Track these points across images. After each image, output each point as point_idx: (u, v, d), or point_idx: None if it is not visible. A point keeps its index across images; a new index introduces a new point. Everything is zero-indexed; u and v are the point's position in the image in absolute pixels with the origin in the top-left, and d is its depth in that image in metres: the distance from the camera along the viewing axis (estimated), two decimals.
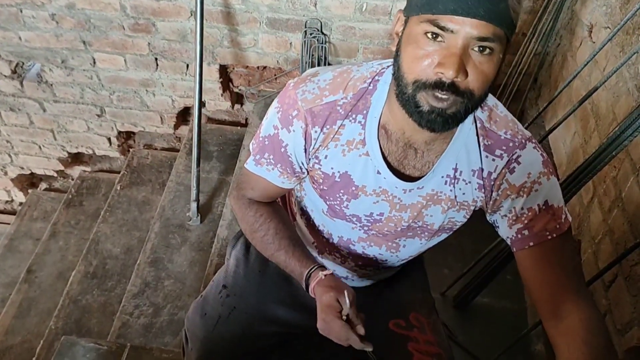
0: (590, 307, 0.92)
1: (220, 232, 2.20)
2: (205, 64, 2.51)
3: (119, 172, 2.89)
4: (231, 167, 2.57)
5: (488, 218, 1.03)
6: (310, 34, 2.35)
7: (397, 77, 0.85)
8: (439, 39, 0.78)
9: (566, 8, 2.18)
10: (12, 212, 3.55)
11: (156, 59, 2.55)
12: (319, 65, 2.43)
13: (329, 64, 2.47)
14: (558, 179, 1.00)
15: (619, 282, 1.55)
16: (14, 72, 2.69)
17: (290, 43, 2.43)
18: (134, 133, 3.03)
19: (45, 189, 3.39)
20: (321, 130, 0.95)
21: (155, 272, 2.22)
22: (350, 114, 0.95)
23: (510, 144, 0.96)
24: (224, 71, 2.64)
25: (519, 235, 0.96)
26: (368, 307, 1.17)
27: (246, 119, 2.89)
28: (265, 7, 2.30)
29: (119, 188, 2.75)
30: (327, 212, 1.09)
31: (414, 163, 0.97)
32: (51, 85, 2.71)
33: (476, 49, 0.78)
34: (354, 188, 1.01)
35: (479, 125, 0.95)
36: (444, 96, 0.80)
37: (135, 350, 1.74)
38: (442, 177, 0.98)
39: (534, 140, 0.98)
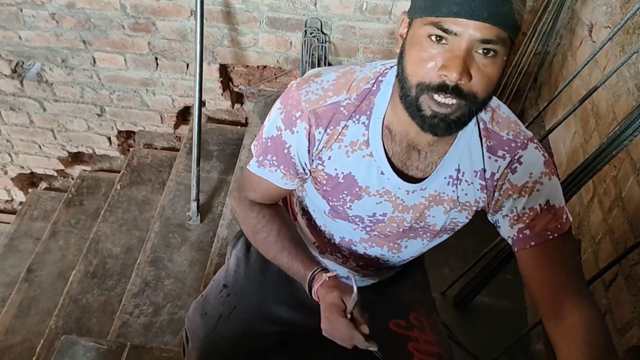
0: (590, 306, 0.92)
1: (220, 232, 2.20)
2: (206, 64, 2.51)
3: (119, 172, 2.89)
4: (231, 166, 2.57)
5: (489, 218, 1.03)
6: (311, 34, 2.35)
7: (401, 79, 0.85)
8: (443, 41, 0.78)
9: (566, 7, 2.18)
10: (12, 212, 3.55)
11: (156, 58, 2.55)
12: (319, 64, 2.43)
13: (329, 64, 2.47)
14: (559, 179, 1.00)
15: (619, 281, 1.55)
16: (14, 71, 2.69)
17: (291, 42, 2.43)
18: (134, 132, 3.03)
19: (46, 189, 3.39)
20: (325, 131, 0.95)
21: (155, 271, 2.22)
22: (354, 114, 0.94)
23: (513, 145, 0.96)
24: (224, 70, 2.64)
25: (521, 235, 0.96)
26: (368, 307, 1.16)
27: (246, 119, 2.89)
28: (266, 6, 2.30)
29: (119, 187, 2.75)
30: (329, 213, 1.09)
31: (417, 164, 0.97)
32: (51, 84, 2.71)
33: (480, 51, 0.77)
34: (357, 189, 1.00)
35: (481, 126, 0.95)
36: (447, 101, 0.80)
37: (135, 349, 1.74)
38: (445, 178, 0.98)
39: (535, 141, 0.98)
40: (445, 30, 0.77)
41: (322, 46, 2.38)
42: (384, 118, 0.94)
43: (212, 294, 1.27)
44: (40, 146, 3.09)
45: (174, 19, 2.37)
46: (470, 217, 1.05)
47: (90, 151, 3.11)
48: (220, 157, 2.66)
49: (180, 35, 2.43)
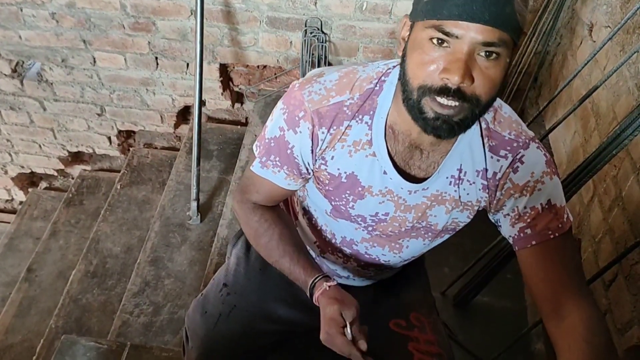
0: (591, 306, 0.92)
1: (221, 231, 2.20)
2: (206, 63, 2.51)
3: (119, 171, 2.89)
4: (231, 166, 2.57)
5: (490, 217, 1.04)
6: (311, 33, 2.35)
7: (403, 82, 0.85)
8: (445, 44, 0.78)
9: (566, 7, 2.18)
10: (13, 211, 3.55)
11: (156, 57, 2.55)
12: (319, 64, 2.43)
13: (329, 63, 2.47)
14: (560, 179, 1.01)
15: (619, 281, 1.55)
16: (14, 71, 2.69)
17: (291, 42, 2.43)
18: (134, 132, 3.03)
19: (46, 188, 3.39)
20: (328, 131, 0.95)
21: (155, 271, 2.22)
22: (357, 114, 0.94)
23: (515, 144, 0.96)
24: (224, 70, 2.64)
25: (522, 234, 0.97)
26: (368, 306, 1.17)
27: (246, 118, 2.89)
28: (266, 6, 2.30)
29: (119, 187, 2.75)
30: (330, 213, 1.09)
31: (420, 163, 0.97)
32: (51, 84, 2.71)
33: (482, 54, 0.77)
34: (360, 188, 1.00)
35: (483, 126, 0.95)
36: (450, 103, 0.80)
37: (136, 349, 1.73)
38: (447, 177, 0.98)
39: (537, 141, 0.98)
40: (447, 33, 0.76)
41: (322, 46, 2.38)
42: (386, 118, 0.94)
43: (212, 292, 1.27)
44: (40, 146, 3.09)
45: (174, 19, 2.37)
46: (471, 217, 1.05)
47: (91, 151, 3.11)
48: (220, 157, 2.66)
49: (180, 34, 2.43)
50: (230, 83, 2.75)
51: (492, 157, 0.96)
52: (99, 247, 2.50)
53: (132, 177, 2.80)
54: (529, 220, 0.96)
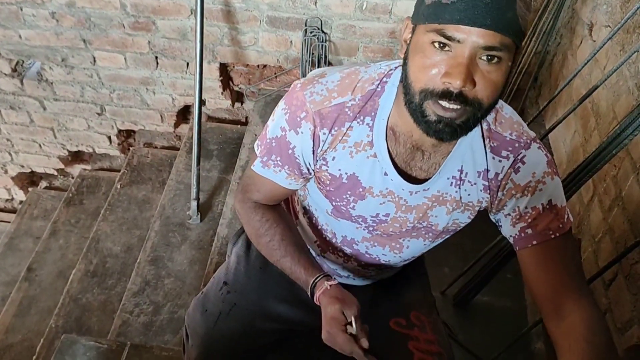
0: (591, 305, 0.92)
1: (221, 231, 2.20)
2: (206, 63, 2.51)
3: (119, 171, 2.89)
4: (231, 165, 2.57)
5: (491, 217, 1.04)
6: (311, 33, 2.35)
7: (405, 85, 0.85)
8: (446, 48, 0.78)
9: (567, 7, 2.18)
10: (13, 211, 3.55)
11: (156, 57, 2.55)
12: (319, 63, 2.43)
13: (329, 63, 2.47)
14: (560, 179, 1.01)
15: (619, 280, 1.55)
16: (14, 70, 2.69)
17: (291, 41, 2.43)
18: (134, 131, 3.02)
19: (46, 188, 3.39)
20: (329, 132, 0.95)
21: (155, 270, 2.22)
22: (358, 115, 0.94)
23: (516, 145, 0.96)
24: (224, 69, 2.64)
25: (522, 234, 0.97)
26: (369, 306, 1.17)
27: (246, 118, 2.89)
28: (266, 5, 2.30)
29: (119, 186, 2.75)
30: (331, 213, 1.09)
31: (421, 164, 0.97)
32: (51, 83, 2.71)
33: (484, 58, 0.77)
34: (361, 189, 1.01)
35: (485, 127, 0.96)
36: (452, 106, 0.80)
37: (136, 348, 1.73)
38: (448, 178, 0.98)
39: (538, 141, 0.98)
40: (448, 38, 0.76)
41: (322, 45, 2.38)
42: (388, 119, 0.94)
43: (212, 291, 1.27)
44: (40, 145, 3.09)
45: (174, 18, 2.37)
46: (472, 217, 1.05)
47: (91, 150, 3.11)
48: (220, 156, 2.66)
49: (180, 34, 2.43)
50: (230, 82, 2.75)
51: (493, 158, 0.96)
52: (99, 246, 2.50)
53: (132, 176, 2.80)
54: (530, 220, 0.96)
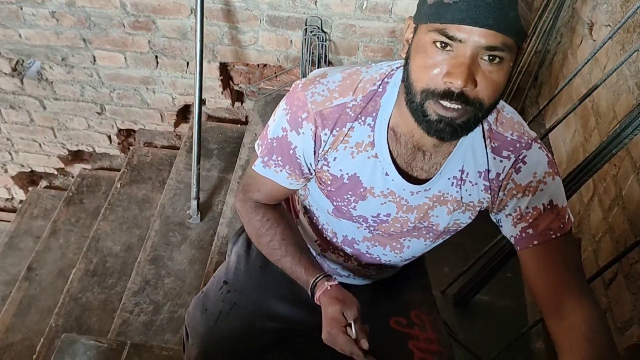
0: (592, 305, 0.92)
1: (221, 230, 2.20)
2: (206, 62, 2.51)
3: (119, 170, 2.89)
4: (231, 165, 2.57)
5: (492, 217, 1.04)
6: (311, 32, 2.35)
7: (407, 84, 0.85)
8: (448, 48, 0.78)
9: (567, 6, 2.18)
10: (13, 210, 3.55)
11: (156, 56, 2.54)
12: (319, 63, 2.43)
13: (329, 62, 2.47)
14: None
15: (619, 280, 1.55)
16: (14, 69, 2.69)
17: (291, 41, 2.43)
18: (134, 131, 3.02)
19: (46, 187, 3.39)
20: (331, 132, 0.95)
21: (155, 269, 2.22)
22: (359, 116, 0.94)
23: (517, 145, 0.96)
24: (224, 69, 2.64)
25: (523, 234, 0.97)
26: (369, 305, 1.17)
27: (246, 117, 2.89)
28: (266, 4, 2.30)
29: (119, 186, 2.75)
30: (332, 212, 1.09)
31: (422, 165, 0.97)
32: (51, 82, 2.71)
33: (485, 58, 0.77)
34: (362, 190, 1.01)
35: (486, 127, 0.96)
36: (453, 106, 0.80)
37: (136, 347, 1.73)
38: (449, 178, 0.98)
39: (539, 141, 0.98)
40: (450, 37, 0.76)
41: (322, 44, 2.38)
42: (389, 119, 0.94)
43: (212, 290, 1.27)
44: (40, 144, 3.09)
45: (174, 17, 2.37)
46: (473, 218, 1.05)
47: (91, 149, 3.11)
48: (220, 156, 2.66)
49: (180, 33, 2.43)
50: (231, 82, 2.75)
51: (494, 158, 0.96)
52: (99, 245, 2.50)
53: (132, 175, 2.80)
54: (530, 220, 0.96)
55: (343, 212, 1.06)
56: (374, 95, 0.94)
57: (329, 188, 1.03)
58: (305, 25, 2.34)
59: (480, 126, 0.95)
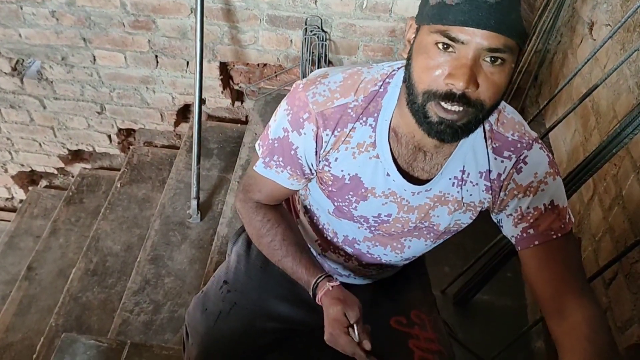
0: (593, 305, 0.92)
1: (221, 230, 2.20)
2: (206, 62, 2.51)
3: (119, 170, 2.89)
4: (231, 164, 2.57)
5: (493, 217, 1.04)
6: (311, 31, 2.35)
7: (408, 85, 0.85)
8: (450, 49, 0.77)
9: (567, 5, 2.18)
10: (13, 210, 3.55)
11: (156, 56, 2.54)
12: (319, 62, 2.43)
13: (329, 62, 2.47)
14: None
15: (619, 279, 1.55)
16: (14, 69, 2.69)
17: (291, 40, 2.43)
18: (134, 130, 3.02)
19: (46, 186, 3.39)
20: (332, 133, 0.95)
21: (155, 269, 2.22)
22: (361, 116, 0.94)
23: (518, 145, 0.96)
24: (224, 68, 2.64)
25: (524, 234, 0.97)
26: (369, 304, 1.17)
27: (246, 117, 2.89)
28: (266, 4, 2.29)
29: (119, 185, 2.75)
30: (333, 212, 1.09)
31: (423, 165, 0.97)
32: (51, 82, 2.71)
33: (487, 59, 0.77)
34: (363, 190, 1.01)
35: (487, 127, 0.96)
36: (454, 108, 0.80)
37: (136, 347, 1.73)
38: (450, 179, 0.98)
39: (540, 141, 0.98)
40: (452, 39, 0.76)
41: (322, 44, 2.38)
42: (390, 120, 0.94)
43: (212, 290, 1.27)
44: (40, 144, 3.09)
45: (174, 17, 2.37)
46: (474, 218, 1.06)
47: (91, 149, 3.11)
48: (220, 155, 2.66)
49: (180, 33, 2.43)
50: (231, 81, 2.75)
51: (495, 159, 0.96)
52: (99, 245, 2.50)
53: (132, 175, 2.80)
54: (532, 220, 0.96)
55: (344, 212, 1.06)
56: (376, 96, 0.94)
57: (330, 188, 1.03)
58: (305, 24, 2.34)
59: (482, 127, 0.95)
